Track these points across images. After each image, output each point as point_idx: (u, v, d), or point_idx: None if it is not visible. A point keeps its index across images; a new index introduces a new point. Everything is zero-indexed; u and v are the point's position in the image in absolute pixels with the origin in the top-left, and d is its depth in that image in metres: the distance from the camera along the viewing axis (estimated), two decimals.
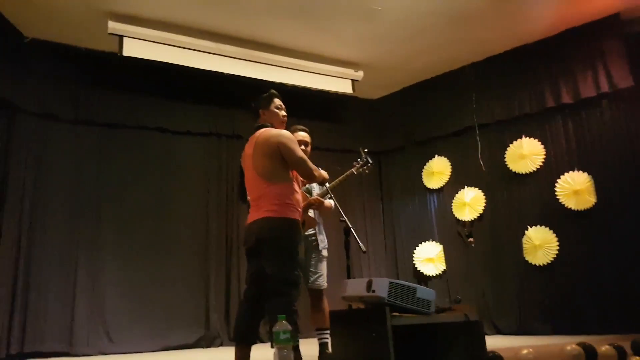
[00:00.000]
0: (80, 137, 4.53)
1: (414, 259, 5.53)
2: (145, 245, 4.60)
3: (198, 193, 4.99)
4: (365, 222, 5.83)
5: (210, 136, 5.15)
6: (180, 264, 4.71)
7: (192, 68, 4.49)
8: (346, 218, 2.67)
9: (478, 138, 5.16)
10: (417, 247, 5.53)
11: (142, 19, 4.18)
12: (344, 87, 5.18)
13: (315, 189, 3.10)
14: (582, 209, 4.43)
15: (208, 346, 4.58)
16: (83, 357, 4.08)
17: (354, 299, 2.50)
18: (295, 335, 2.16)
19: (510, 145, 4.96)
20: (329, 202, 2.99)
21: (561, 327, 4.29)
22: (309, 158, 2.53)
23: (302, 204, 2.58)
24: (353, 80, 5.18)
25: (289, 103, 2.70)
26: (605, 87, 4.39)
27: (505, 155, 4.99)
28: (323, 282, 3.01)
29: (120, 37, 4.14)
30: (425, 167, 5.62)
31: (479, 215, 5.11)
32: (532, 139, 4.84)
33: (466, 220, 5.18)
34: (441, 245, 5.37)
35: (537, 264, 4.60)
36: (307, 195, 3.01)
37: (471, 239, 5.13)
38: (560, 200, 4.56)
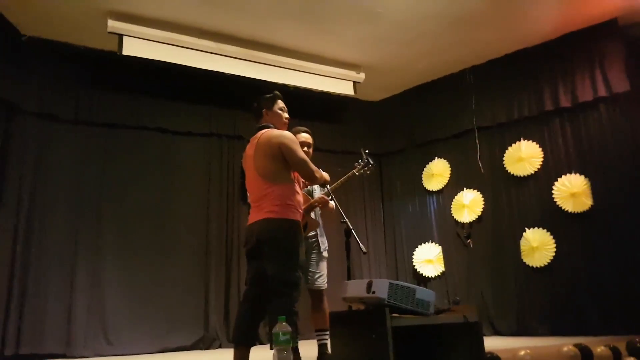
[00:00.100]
0: (80, 137, 4.52)
1: (413, 260, 5.54)
2: (144, 246, 4.58)
3: (198, 194, 4.97)
4: (365, 223, 5.84)
5: (211, 137, 5.14)
6: (179, 265, 4.69)
7: (193, 68, 4.48)
8: (347, 219, 2.68)
9: (477, 140, 5.18)
10: (416, 249, 5.55)
11: (142, 18, 4.17)
12: (346, 88, 5.19)
13: (317, 190, 3.10)
14: (579, 211, 4.45)
15: (207, 348, 4.57)
16: (80, 359, 4.05)
17: (354, 300, 2.51)
18: (295, 336, 2.17)
19: (509, 147, 4.99)
20: (331, 203, 3.00)
21: (560, 329, 4.31)
22: (310, 159, 2.54)
23: (303, 206, 2.59)
24: (354, 82, 5.20)
25: (290, 104, 2.71)
26: (602, 91, 4.42)
27: (504, 158, 5.01)
28: (323, 282, 3.02)
29: (120, 36, 4.13)
30: (425, 169, 5.64)
31: (477, 217, 5.13)
32: (530, 141, 4.87)
33: (465, 222, 5.20)
34: (440, 247, 5.39)
35: (535, 266, 4.62)
36: (309, 196, 3.02)
37: (470, 241, 5.16)
38: (557, 203, 4.58)
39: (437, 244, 5.42)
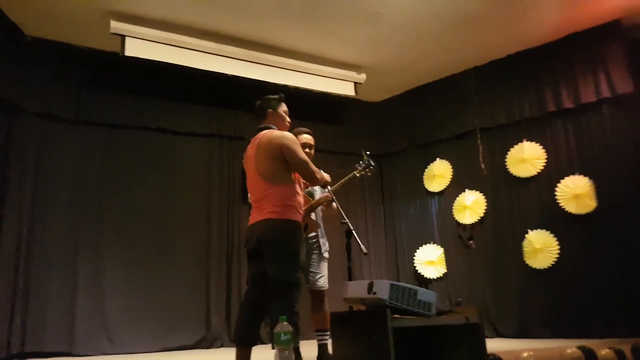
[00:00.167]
0: (81, 137, 4.52)
1: (414, 261, 5.53)
2: (146, 246, 4.59)
3: (199, 194, 4.98)
4: (366, 224, 5.83)
5: (212, 137, 5.14)
6: (181, 265, 4.70)
7: (195, 69, 4.49)
8: (348, 220, 2.67)
9: (479, 141, 5.17)
10: (418, 250, 5.53)
11: (144, 19, 4.17)
12: (347, 89, 5.18)
13: (317, 191, 3.10)
14: (583, 213, 4.43)
15: (208, 347, 4.58)
16: (83, 357, 4.07)
17: (355, 301, 2.50)
18: (296, 336, 2.17)
19: (511, 149, 4.97)
20: (332, 204, 3.00)
21: (562, 331, 4.29)
22: (312, 160, 2.53)
23: (304, 207, 2.59)
24: (356, 83, 5.19)
25: (291, 105, 2.71)
26: (605, 92, 4.40)
27: (506, 159, 5.00)
28: (324, 283, 3.02)
29: (123, 36, 4.14)
30: (426, 170, 5.62)
31: (479, 218, 5.12)
32: (533, 142, 4.85)
33: (467, 223, 5.19)
34: (442, 248, 5.38)
35: (538, 268, 4.60)
36: (310, 198, 3.01)
37: (472, 242, 5.14)
38: (560, 204, 4.56)
39: (439, 245, 5.41)
